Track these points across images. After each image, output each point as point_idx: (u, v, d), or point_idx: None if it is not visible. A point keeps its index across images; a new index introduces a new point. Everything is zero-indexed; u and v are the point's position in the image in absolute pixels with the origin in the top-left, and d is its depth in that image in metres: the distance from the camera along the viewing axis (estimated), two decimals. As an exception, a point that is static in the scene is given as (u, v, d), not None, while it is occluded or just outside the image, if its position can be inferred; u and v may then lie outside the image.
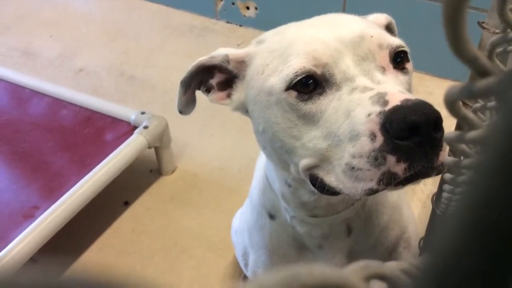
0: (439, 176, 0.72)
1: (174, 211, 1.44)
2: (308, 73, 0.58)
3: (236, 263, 1.26)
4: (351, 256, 0.76)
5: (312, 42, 0.59)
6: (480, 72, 0.24)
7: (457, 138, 0.37)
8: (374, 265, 0.22)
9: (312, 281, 0.17)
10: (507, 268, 0.13)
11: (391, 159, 0.52)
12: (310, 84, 0.58)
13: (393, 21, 0.75)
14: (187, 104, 0.73)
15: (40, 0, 2.40)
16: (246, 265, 0.92)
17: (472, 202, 0.14)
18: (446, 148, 0.53)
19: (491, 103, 0.45)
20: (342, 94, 0.57)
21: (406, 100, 0.52)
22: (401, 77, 0.61)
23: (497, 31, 0.61)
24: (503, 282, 0.14)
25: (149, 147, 1.42)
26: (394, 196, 0.78)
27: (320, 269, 0.18)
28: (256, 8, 2.08)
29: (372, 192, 0.54)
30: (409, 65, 0.63)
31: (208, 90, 0.72)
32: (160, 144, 1.46)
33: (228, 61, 0.68)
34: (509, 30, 0.42)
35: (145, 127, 1.42)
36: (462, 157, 0.51)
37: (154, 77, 1.92)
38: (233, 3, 2.12)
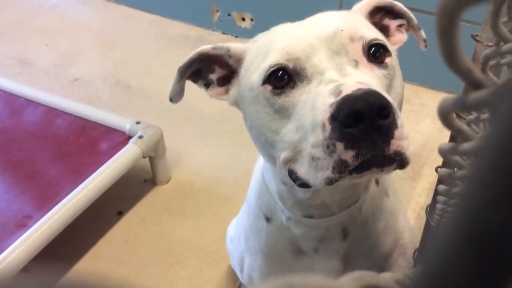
0: (434, 187, 0.72)
1: (168, 221, 1.43)
2: (280, 66, 0.60)
3: (231, 273, 1.26)
4: (347, 260, 0.76)
5: (289, 38, 0.63)
6: (474, 84, 0.25)
7: (451, 150, 0.37)
8: (368, 275, 0.22)
9: (306, 292, 0.17)
10: (498, 279, 0.13)
11: (339, 146, 0.54)
12: (284, 79, 0.61)
13: (389, 1, 0.73)
14: (178, 93, 0.75)
15: (36, 8, 2.41)
16: (241, 271, 0.92)
17: (464, 214, 0.14)
18: (403, 137, 0.54)
19: (485, 115, 0.46)
20: (311, 87, 0.60)
21: (358, 90, 0.53)
22: (377, 70, 0.62)
23: (491, 44, 0.61)
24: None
25: (144, 157, 1.42)
26: (391, 202, 0.78)
27: (314, 279, 0.18)
28: (252, 20, 2.09)
29: (329, 181, 0.56)
30: (390, 60, 0.63)
31: (207, 85, 0.75)
32: (154, 154, 1.46)
33: (230, 56, 0.71)
34: (502, 43, 0.43)
35: (140, 137, 1.42)
36: (456, 169, 0.51)
37: (149, 86, 1.92)
38: (229, 14, 2.13)
